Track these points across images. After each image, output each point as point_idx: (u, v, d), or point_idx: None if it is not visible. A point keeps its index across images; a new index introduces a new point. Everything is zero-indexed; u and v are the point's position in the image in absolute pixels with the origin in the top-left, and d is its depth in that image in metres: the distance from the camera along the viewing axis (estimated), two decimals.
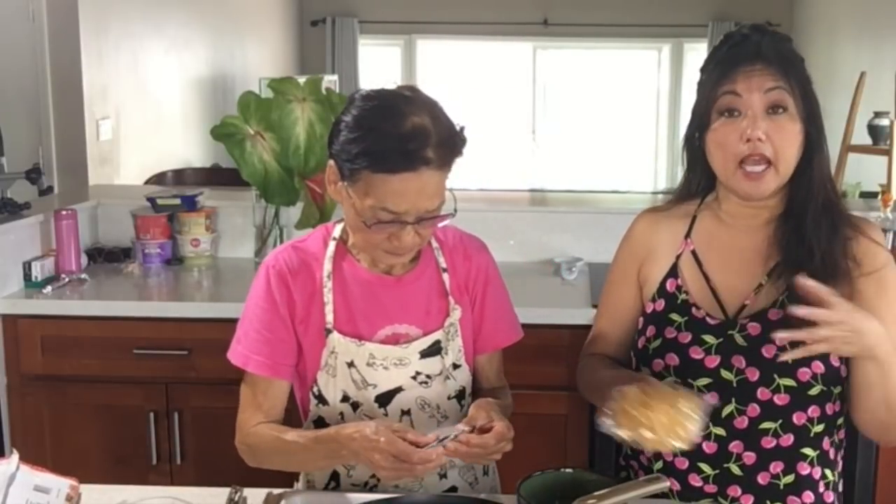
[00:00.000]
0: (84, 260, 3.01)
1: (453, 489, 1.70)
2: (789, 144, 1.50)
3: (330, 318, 1.61)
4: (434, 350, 1.64)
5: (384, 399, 1.64)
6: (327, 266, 1.63)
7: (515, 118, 9.42)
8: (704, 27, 8.69)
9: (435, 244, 1.69)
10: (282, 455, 1.61)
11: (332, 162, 1.56)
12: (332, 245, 1.65)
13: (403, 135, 1.46)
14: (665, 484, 1.38)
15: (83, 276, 2.88)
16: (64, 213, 2.91)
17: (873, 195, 3.57)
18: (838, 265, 1.51)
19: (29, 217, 2.88)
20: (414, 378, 1.63)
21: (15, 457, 1.42)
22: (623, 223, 3.49)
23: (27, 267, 2.79)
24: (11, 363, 2.67)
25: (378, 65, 9.07)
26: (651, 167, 9.38)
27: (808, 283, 1.38)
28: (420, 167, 1.46)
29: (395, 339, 1.63)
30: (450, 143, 1.50)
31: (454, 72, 9.07)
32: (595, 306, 2.61)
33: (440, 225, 1.57)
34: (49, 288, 2.75)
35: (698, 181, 1.65)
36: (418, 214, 1.50)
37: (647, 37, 8.94)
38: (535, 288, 2.90)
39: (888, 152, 4.37)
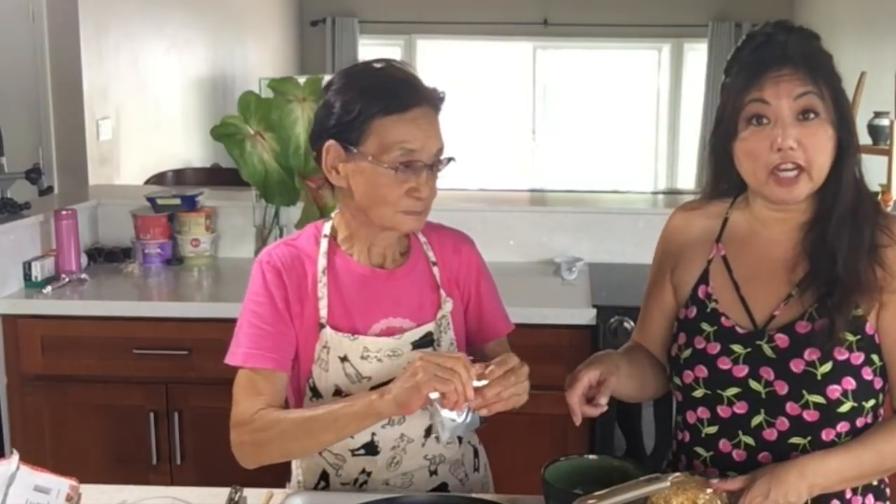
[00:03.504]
0: (84, 260, 3.01)
1: (443, 485, 1.71)
2: (821, 150, 1.46)
3: (324, 312, 1.61)
4: (426, 342, 1.65)
5: None
6: (322, 262, 1.63)
7: (515, 118, 9.42)
8: (704, 27, 8.69)
9: (423, 239, 1.70)
10: (298, 431, 1.54)
11: (329, 143, 1.57)
12: (324, 242, 1.65)
13: (399, 79, 1.57)
14: (665, 484, 1.37)
15: (83, 276, 2.89)
16: (64, 213, 2.91)
17: (873, 195, 3.57)
18: (861, 274, 1.47)
19: (29, 217, 2.88)
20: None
21: (15, 457, 1.42)
22: (623, 223, 3.51)
23: (27, 267, 2.80)
24: (11, 363, 2.67)
25: None
26: (651, 167, 9.38)
27: (727, 486, 1.42)
28: (424, 104, 1.56)
29: (389, 333, 1.64)
30: (435, 91, 1.60)
31: (454, 72, 9.06)
32: (595, 306, 2.64)
33: (445, 167, 1.59)
34: (49, 288, 2.75)
35: (727, 186, 1.61)
36: (430, 155, 1.56)
37: (647, 37, 8.94)
38: (535, 288, 2.90)
39: (888, 152, 4.37)
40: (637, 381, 1.62)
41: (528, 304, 2.60)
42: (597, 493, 1.36)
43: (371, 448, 1.64)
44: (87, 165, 4.51)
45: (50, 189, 3.32)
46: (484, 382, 1.44)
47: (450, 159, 1.59)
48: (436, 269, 1.69)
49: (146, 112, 5.36)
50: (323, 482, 1.69)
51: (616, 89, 9.39)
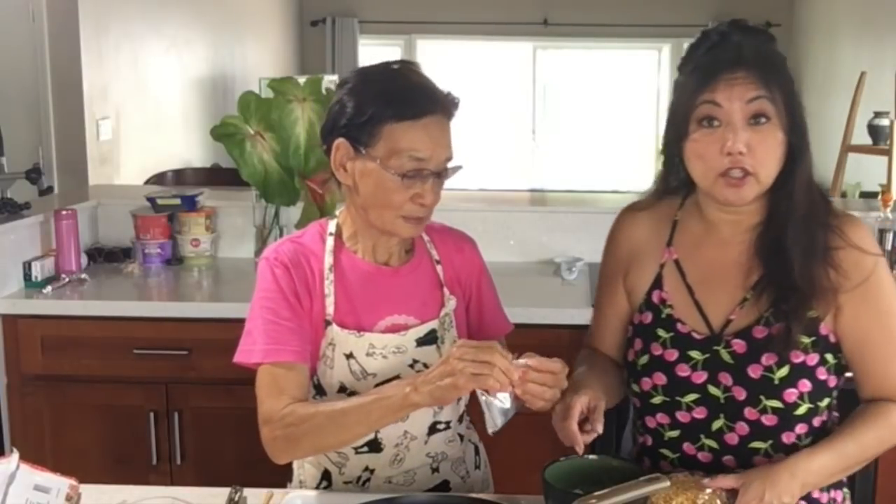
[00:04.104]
0: (84, 260, 3.01)
1: (445, 483, 1.71)
2: (771, 155, 1.46)
3: (330, 309, 1.62)
4: (430, 339, 1.65)
5: None
6: (328, 259, 1.64)
7: (515, 118, 9.42)
8: (704, 27, 8.66)
9: (426, 237, 1.71)
10: (330, 424, 1.51)
11: (340, 141, 1.57)
12: (330, 240, 1.66)
13: (415, 85, 1.57)
14: (665, 484, 1.38)
15: (83, 276, 2.88)
16: (64, 213, 2.91)
17: (873, 195, 3.57)
18: (816, 280, 1.49)
19: (29, 217, 2.88)
20: (411, 366, 1.63)
21: (15, 456, 1.42)
22: None
23: (27, 267, 2.80)
24: (11, 363, 2.67)
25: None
26: (651, 167, 9.38)
27: (718, 484, 1.42)
28: (437, 111, 1.55)
29: (394, 329, 1.64)
30: (449, 97, 1.60)
31: (454, 72, 9.07)
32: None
33: (452, 175, 1.59)
34: (49, 288, 2.75)
35: (676, 183, 1.61)
36: (438, 163, 1.56)
37: (647, 37, 8.94)
38: (535, 288, 2.90)
39: (888, 152, 4.37)
40: (607, 395, 1.61)
41: (528, 304, 2.60)
42: (597, 493, 1.36)
43: (374, 445, 1.64)
44: (87, 165, 4.51)
45: (50, 189, 3.32)
46: (522, 362, 1.43)
47: (457, 168, 1.59)
48: (439, 268, 1.70)
49: (146, 112, 5.36)
50: (325, 481, 1.70)
51: (616, 89, 9.39)
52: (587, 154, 9.41)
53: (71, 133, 4.43)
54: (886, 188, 3.22)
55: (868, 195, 4.25)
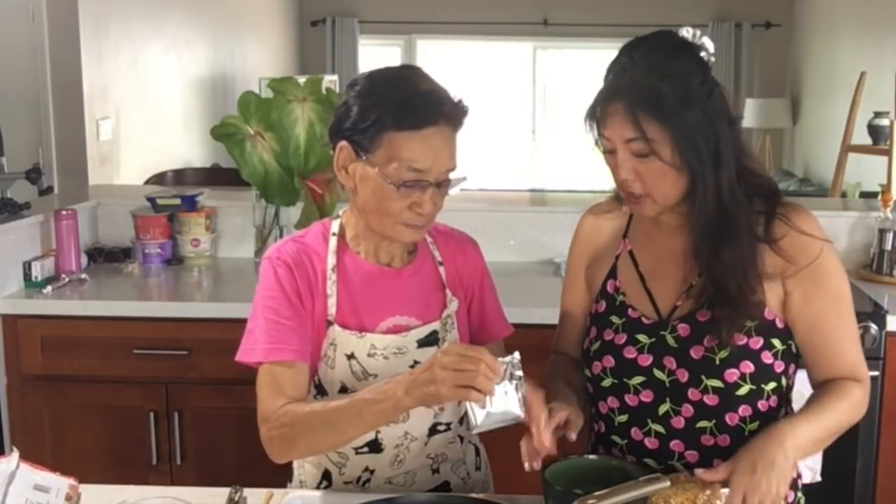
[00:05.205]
0: (84, 260, 3.01)
1: (445, 484, 1.72)
2: (659, 182, 1.49)
3: (332, 310, 1.62)
4: (431, 340, 1.66)
5: None
6: (331, 259, 1.64)
7: (515, 118, 9.42)
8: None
9: (429, 238, 1.72)
10: (324, 426, 1.52)
11: (343, 143, 1.58)
12: (333, 240, 1.66)
13: (421, 93, 1.55)
14: (665, 484, 1.38)
15: (83, 276, 2.89)
16: (64, 213, 2.91)
17: (873, 195, 3.57)
18: (731, 288, 1.50)
19: (29, 217, 2.88)
20: (412, 367, 1.63)
21: (15, 455, 1.42)
22: None
23: (27, 267, 2.80)
24: (11, 363, 2.67)
25: (378, 65, 9.04)
26: None
27: (707, 476, 1.42)
28: (441, 122, 1.54)
29: (396, 330, 1.65)
30: (458, 106, 1.59)
31: (454, 72, 9.06)
32: None
33: (456, 188, 1.60)
34: (49, 288, 2.75)
35: None
36: (439, 175, 1.55)
37: None
38: (535, 288, 2.90)
39: (888, 152, 4.37)
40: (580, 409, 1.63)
41: (528, 304, 2.60)
42: (597, 493, 1.36)
43: (375, 446, 1.64)
44: (87, 165, 4.52)
45: (50, 189, 3.32)
46: (509, 359, 1.44)
47: (460, 179, 1.59)
48: (441, 269, 1.71)
49: (146, 112, 5.36)
50: (325, 481, 1.70)
51: None
52: (587, 154, 9.38)
53: (71, 133, 4.44)
54: (886, 188, 3.22)
55: (868, 195, 4.25)
